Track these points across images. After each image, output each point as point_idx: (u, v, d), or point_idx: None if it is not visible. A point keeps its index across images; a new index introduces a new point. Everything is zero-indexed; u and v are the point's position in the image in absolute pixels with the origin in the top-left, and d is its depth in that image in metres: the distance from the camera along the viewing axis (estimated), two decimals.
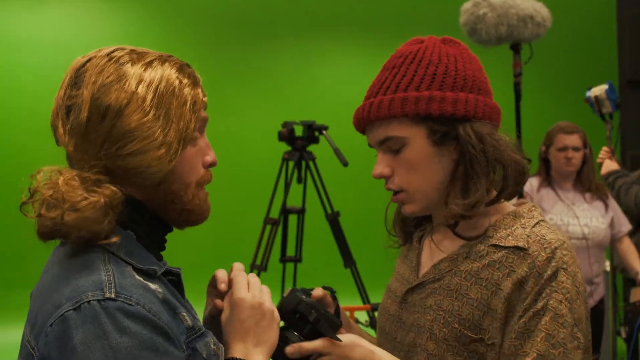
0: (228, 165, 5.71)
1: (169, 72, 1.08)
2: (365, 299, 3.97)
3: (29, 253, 4.97)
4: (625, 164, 5.80)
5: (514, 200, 2.45)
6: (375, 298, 4.23)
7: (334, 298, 1.34)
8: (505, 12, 2.85)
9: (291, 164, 3.91)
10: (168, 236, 1.18)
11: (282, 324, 1.23)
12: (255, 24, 5.98)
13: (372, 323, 3.79)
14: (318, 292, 1.30)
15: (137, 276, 1.01)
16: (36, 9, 5.52)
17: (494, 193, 1.24)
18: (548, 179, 3.35)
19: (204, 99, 1.13)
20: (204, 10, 5.89)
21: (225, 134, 5.72)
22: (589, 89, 3.93)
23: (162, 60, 1.09)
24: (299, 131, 3.86)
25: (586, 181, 3.31)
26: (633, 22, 6.30)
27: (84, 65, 1.07)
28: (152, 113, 1.03)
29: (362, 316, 4.25)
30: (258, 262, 3.87)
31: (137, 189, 1.08)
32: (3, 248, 5.23)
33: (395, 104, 1.22)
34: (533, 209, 1.28)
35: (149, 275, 1.05)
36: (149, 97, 1.04)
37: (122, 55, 1.06)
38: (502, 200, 1.25)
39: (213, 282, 1.24)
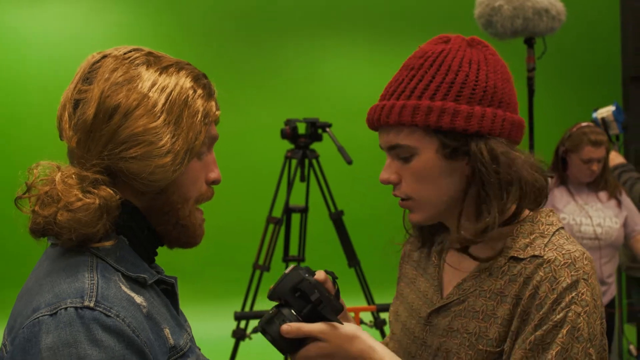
0: (230, 163, 5.65)
1: (184, 80, 1.04)
2: (369, 299, 3.92)
3: (22, 252, 4.95)
4: (629, 159, 5.78)
5: None
6: (380, 298, 4.18)
7: (334, 284, 1.26)
8: (521, 5, 2.82)
9: (294, 162, 3.85)
10: None
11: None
12: (257, 21, 5.92)
13: (377, 324, 3.73)
14: (320, 275, 1.23)
15: (123, 287, 0.97)
16: (40, 5, 5.47)
17: (511, 211, 1.18)
18: (563, 177, 3.29)
19: (217, 112, 1.09)
20: (207, 7, 5.84)
21: (227, 131, 5.64)
22: (595, 110, 3.89)
23: (179, 67, 1.06)
24: (302, 129, 3.80)
25: (601, 180, 3.25)
26: (636, 17, 6.26)
27: (98, 61, 1.03)
28: (161, 119, 0.99)
29: (367, 317, 4.20)
30: (261, 262, 3.82)
31: (135, 195, 1.04)
32: None
33: (406, 112, 1.16)
34: (551, 214, 1.23)
35: (139, 284, 1.01)
36: (161, 102, 1.00)
37: (138, 57, 1.03)
38: (517, 220, 1.19)
39: None
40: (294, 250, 4.03)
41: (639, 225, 3.31)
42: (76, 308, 0.90)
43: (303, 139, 3.75)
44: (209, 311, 5.12)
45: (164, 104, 1.00)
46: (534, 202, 1.21)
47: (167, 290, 1.12)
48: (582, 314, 1.07)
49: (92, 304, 0.91)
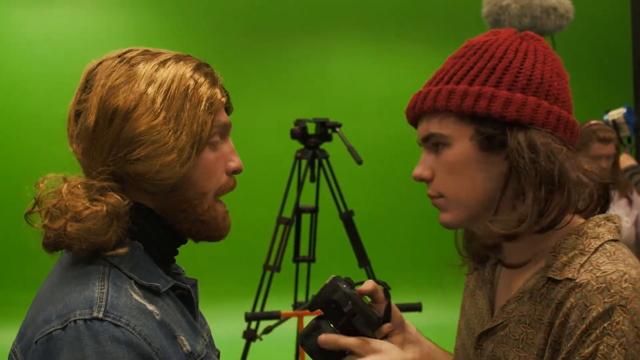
0: None
1: (183, 71, 1.01)
2: None
3: (31, 254, 4.96)
4: (639, 157, 5.74)
5: None
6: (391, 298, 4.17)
7: (387, 295, 1.21)
8: (529, 3, 2.82)
9: (304, 162, 3.84)
10: None
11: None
12: (266, 20, 5.93)
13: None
14: (368, 285, 1.17)
15: (134, 296, 0.95)
16: (43, 7, 5.49)
17: (552, 216, 1.04)
18: None
19: (223, 99, 1.06)
20: (213, 7, 5.85)
21: (237, 132, 5.60)
22: (607, 112, 3.88)
23: (177, 59, 1.03)
24: (311, 129, 3.80)
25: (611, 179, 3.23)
26: None
27: (95, 68, 1.02)
28: (162, 115, 0.97)
29: None
30: (271, 262, 3.82)
31: (148, 197, 1.02)
32: (4, 248, 5.22)
33: (441, 97, 1.08)
34: (603, 222, 1.09)
35: (152, 292, 0.99)
36: (159, 98, 0.98)
37: (133, 56, 1.01)
38: (559, 227, 1.06)
39: None
40: (304, 251, 4.03)
41: None
42: (85, 320, 0.89)
43: (313, 139, 3.75)
44: (219, 312, 5.13)
45: (163, 100, 0.98)
46: (590, 211, 1.09)
47: (184, 295, 1.10)
48: (616, 347, 0.94)
49: (100, 315, 0.90)
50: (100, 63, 1.02)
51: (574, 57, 6.13)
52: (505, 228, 1.04)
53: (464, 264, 1.30)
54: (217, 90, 1.05)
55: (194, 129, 1.00)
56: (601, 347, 0.95)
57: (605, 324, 0.95)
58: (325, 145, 3.80)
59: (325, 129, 3.73)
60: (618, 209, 3.22)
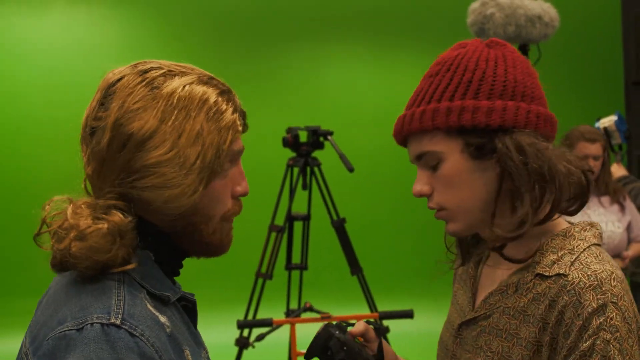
0: None
1: (204, 99, 0.99)
2: (372, 306, 3.91)
3: (32, 260, 4.93)
4: (632, 165, 5.78)
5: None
6: (383, 305, 4.18)
7: (378, 334, 1.27)
8: (513, 12, 2.83)
9: (296, 170, 3.85)
10: None
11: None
12: (257, 28, 5.94)
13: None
14: (359, 326, 1.24)
15: (148, 305, 0.95)
16: (39, 14, 5.50)
17: (547, 210, 1.10)
18: None
19: (240, 128, 1.05)
20: (207, 15, 5.86)
21: None
22: (598, 119, 3.90)
23: (202, 82, 1.01)
24: (303, 137, 3.81)
25: (602, 185, 3.26)
26: (638, 22, 6.27)
27: (115, 83, 0.98)
28: (174, 151, 0.96)
29: None
30: (263, 270, 3.82)
31: (155, 217, 1.01)
32: (5, 255, 5.21)
33: (427, 117, 1.12)
34: (588, 228, 1.15)
35: (162, 301, 1.00)
36: (175, 133, 0.96)
37: (156, 77, 0.98)
38: (556, 217, 1.14)
39: None
40: (296, 259, 4.03)
41: None
42: (102, 324, 0.89)
43: (305, 147, 3.76)
44: (211, 319, 5.12)
45: (179, 135, 0.96)
46: (573, 201, 1.14)
47: (187, 307, 1.10)
48: (612, 341, 1.00)
49: (118, 322, 0.89)
50: (120, 78, 0.99)
51: (565, 65, 6.18)
52: (510, 231, 1.09)
53: (455, 263, 1.35)
54: (237, 119, 1.04)
55: (206, 163, 0.99)
56: (598, 342, 1.01)
57: (601, 320, 1.01)
58: (317, 153, 3.81)
59: (317, 136, 3.74)
60: (610, 214, 3.24)
